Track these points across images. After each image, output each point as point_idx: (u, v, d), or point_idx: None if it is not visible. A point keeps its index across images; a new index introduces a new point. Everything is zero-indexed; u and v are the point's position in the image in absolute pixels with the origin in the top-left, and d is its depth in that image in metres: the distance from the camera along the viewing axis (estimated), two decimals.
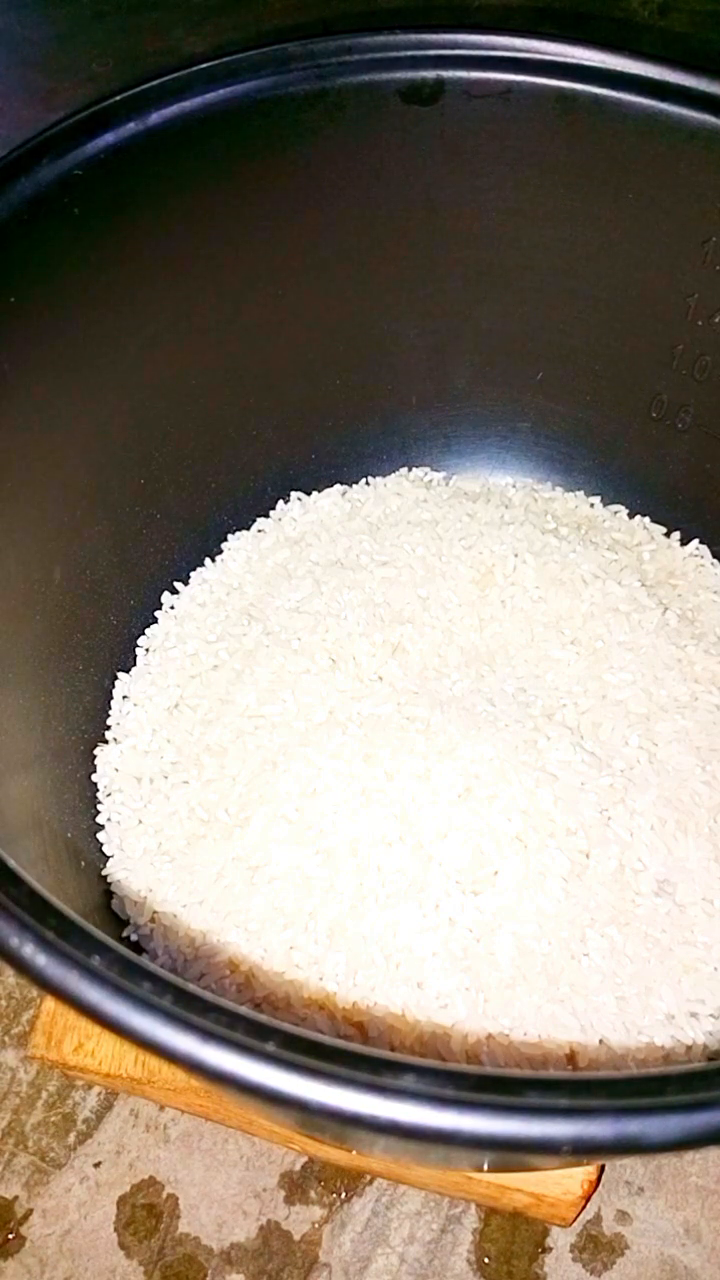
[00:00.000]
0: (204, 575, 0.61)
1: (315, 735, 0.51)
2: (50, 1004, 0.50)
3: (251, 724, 0.53)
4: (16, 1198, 0.53)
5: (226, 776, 0.52)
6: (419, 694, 0.53)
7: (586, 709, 0.53)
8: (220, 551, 0.62)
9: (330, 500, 0.64)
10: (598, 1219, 0.53)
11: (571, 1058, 0.45)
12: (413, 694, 0.53)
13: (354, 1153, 0.50)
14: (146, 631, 0.59)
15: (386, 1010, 0.46)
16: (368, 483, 0.65)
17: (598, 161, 0.53)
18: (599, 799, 0.49)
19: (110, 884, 0.51)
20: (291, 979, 0.47)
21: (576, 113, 0.52)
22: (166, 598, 0.60)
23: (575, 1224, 0.52)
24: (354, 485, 0.65)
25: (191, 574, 0.61)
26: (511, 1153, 0.28)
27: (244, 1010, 0.29)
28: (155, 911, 0.50)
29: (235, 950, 0.48)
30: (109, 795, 0.54)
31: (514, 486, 0.65)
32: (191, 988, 0.30)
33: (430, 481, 0.66)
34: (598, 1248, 0.52)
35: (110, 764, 0.54)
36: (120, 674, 0.57)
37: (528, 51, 0.52)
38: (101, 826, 0.53)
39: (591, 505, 0.64)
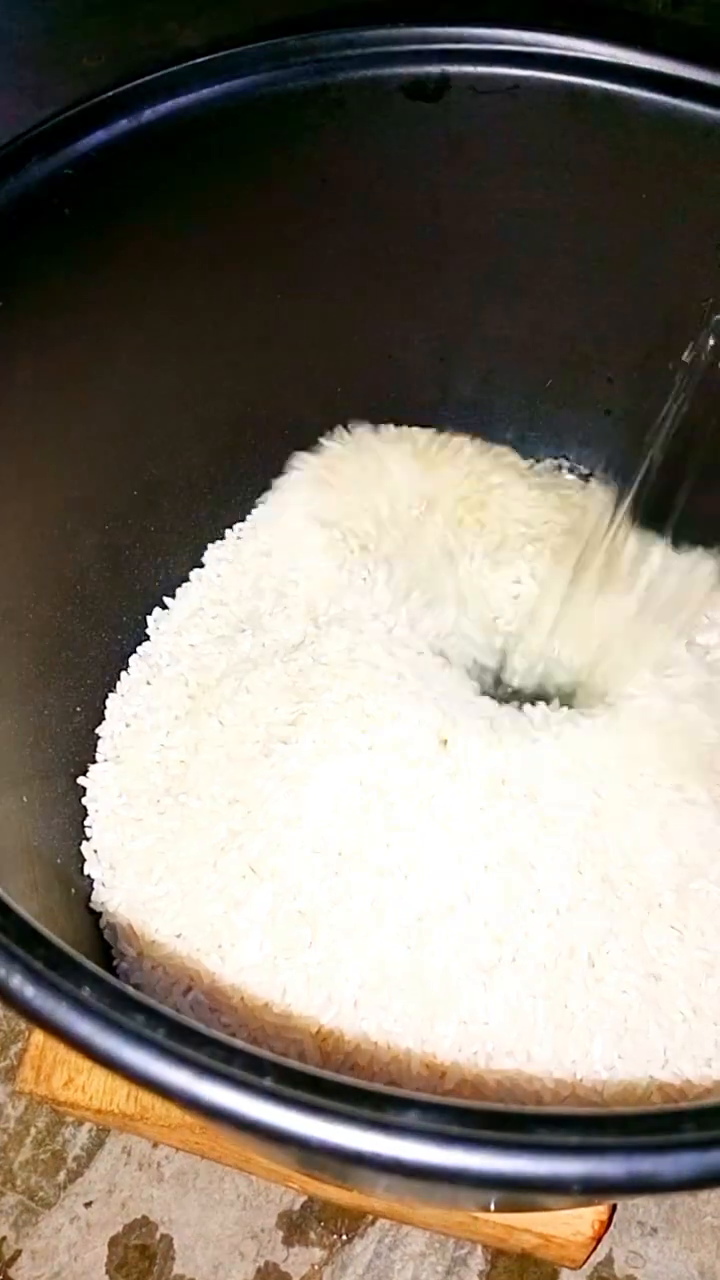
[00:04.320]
0: (198, 588, 0.60)
1: (317, 759, 0.50)
2: (39, 1037, 0.50)
3: (247, 745, 0.52)
4: (4, 1238, 0.52)
5: (221, 799, 0.51)
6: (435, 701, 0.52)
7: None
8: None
9: None
10: (609, 1261, 0.52)
11: (580, 1093, 0.44)
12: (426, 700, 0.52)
13: (355, 1192, 0.49)
14: (139, 649, 0.58)
15: (383, 1043, 0.45)
16: None
17: (609, 160, 0.52)
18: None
19: (99, 911, 0.50)
20: (283, 1009, 0.46)
21: (587, 109, 0.51)
22: (160, 613, 0.59)
23: (585, 1266, 0.51)
24: None
25: (184, 587, 0.60)
26: (519, 1192, 0.28)
27: (240, 1044, 0.29)
28: (145, 939, 0.49)
29: (226, 979, 0.47)
30: (99, 819, 0.52)
31: None
32: (186, 1020, 0.29)
33: None
34: None
35: (101, 786, 0.53)
36: (111, 694, 0.56)
37: (536, 46, 0.51)
38: (92, 851, 0.51)
39: None
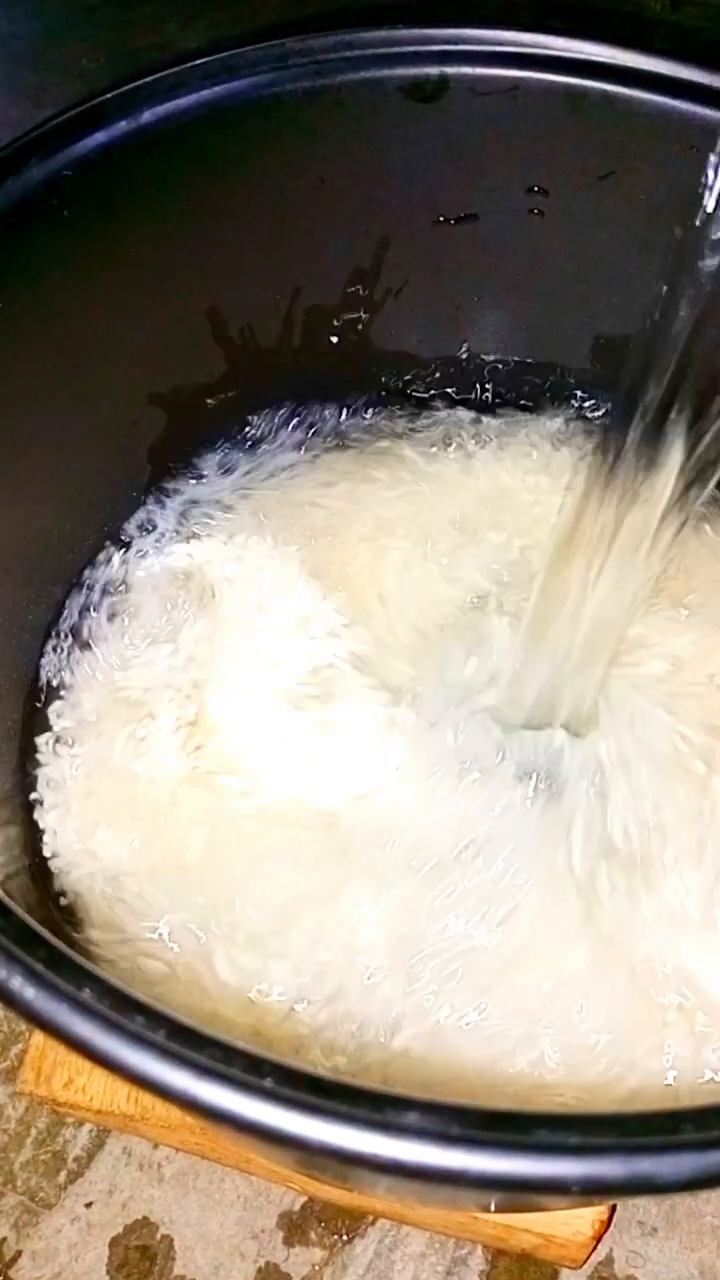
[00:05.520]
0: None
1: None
2: (39, 1038, 0.49)
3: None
4: (5, 1239, 0.52)
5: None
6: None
7: None
8: None
9: None
10: (609, 1260, 0.52)
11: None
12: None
13: (355, 1192, 0.49)
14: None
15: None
16: None
17: (609, 160, 0.51)
18: None
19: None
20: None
21: (586, 110, 0.50)
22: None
23: (586, 1266, 0.51)
24: None
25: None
26: (519, 1193, 0.29)
27: (241, 1044, 0.29)
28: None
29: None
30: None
31: None
32: (186, 1021, 0.29)
33: None
34: None
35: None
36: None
37: (535, 47, 0.50)
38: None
39: None
